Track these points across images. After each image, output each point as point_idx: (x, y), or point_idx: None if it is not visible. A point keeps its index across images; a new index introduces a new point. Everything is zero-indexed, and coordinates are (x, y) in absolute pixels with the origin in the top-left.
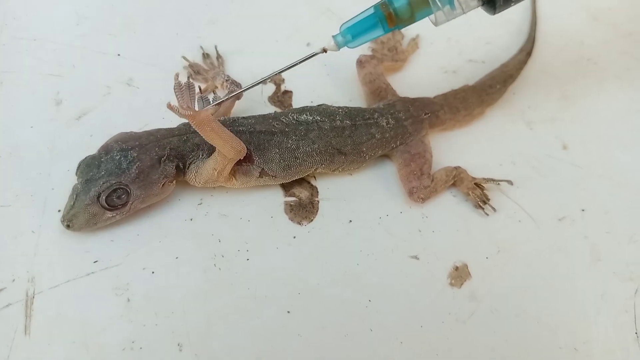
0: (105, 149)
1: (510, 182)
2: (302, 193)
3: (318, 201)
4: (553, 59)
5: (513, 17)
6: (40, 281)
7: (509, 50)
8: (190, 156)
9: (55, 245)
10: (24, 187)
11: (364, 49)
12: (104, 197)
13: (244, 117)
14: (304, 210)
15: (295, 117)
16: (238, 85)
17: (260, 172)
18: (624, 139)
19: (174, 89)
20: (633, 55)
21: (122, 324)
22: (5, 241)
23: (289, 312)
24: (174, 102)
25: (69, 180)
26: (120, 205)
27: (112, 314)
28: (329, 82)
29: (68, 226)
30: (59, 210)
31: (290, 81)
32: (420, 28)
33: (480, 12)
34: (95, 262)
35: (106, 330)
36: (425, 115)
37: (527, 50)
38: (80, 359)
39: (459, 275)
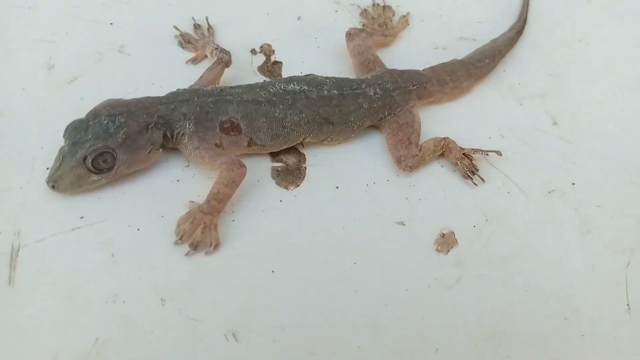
0: (94, 114)
1: (499, 153)
2: (290, 159)
3: (305, 167)
4: (544, 38)
5: None
6: (26, 235)
7: (500, 29)
8: (178, 125)
9: (43, 201)
10: (12, 145)
11: (354, 23)
12: (89, 160)
13: (230, 87)
14: (290, 175)
15: (282, 86)
16: (227, 52)
17: (248, 142)
18: (616, 115)
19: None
20: (623, 37)
21: (105, 278)
22: None
23: (273, 271)
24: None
25: (59, 140)
26: (105, 169)
27: (96, 268)
28: (319, 54)
29: (53, 187)
30: (47, 168)
31: (280, 52)
32: (411, 5)
33: None
34: (81, 217)
35: (90, 283)
36: (413, 86)
37: (517, 29)
38: (63, 309)
39: (446, 242)
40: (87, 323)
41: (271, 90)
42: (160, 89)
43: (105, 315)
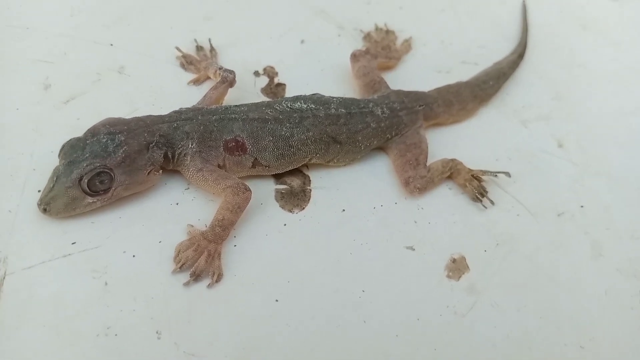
0: (92, 132)
1: (507, 174)
2: (294, 181)
3: (310, 189)
4: (545, 63)
5: (504, 23)
6: (14, 262)
7: (501, 54)
8: (180, 145)
9: (33, 225)
10: (3, 167)
11: (357, 47)
12: (85, 181)
13: (236, 105)
14: (295, 198)
15: (289, 104)
16: (231, 72)
17: (252, 162)
18: (619, 138)
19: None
20: (622, 63)
21: (97, 309)
22: None
23: (277, 300)
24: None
25: (52, 161)
26: (102, 190)
27: (88, 298)
28: (323, 77)
29: (45, 210)
30: (39, 191)
31: (284, 74)
32: (413, 30)
33: (472, 16)
34: (73, 243)
35: (80, 315)
36: (419, 106)
37: (519, 53)
38: (50, 344)
39: (457, 267)
40: (76, 358)
41: (278, 108)
42: (161, 110)
43: (96, 349)
